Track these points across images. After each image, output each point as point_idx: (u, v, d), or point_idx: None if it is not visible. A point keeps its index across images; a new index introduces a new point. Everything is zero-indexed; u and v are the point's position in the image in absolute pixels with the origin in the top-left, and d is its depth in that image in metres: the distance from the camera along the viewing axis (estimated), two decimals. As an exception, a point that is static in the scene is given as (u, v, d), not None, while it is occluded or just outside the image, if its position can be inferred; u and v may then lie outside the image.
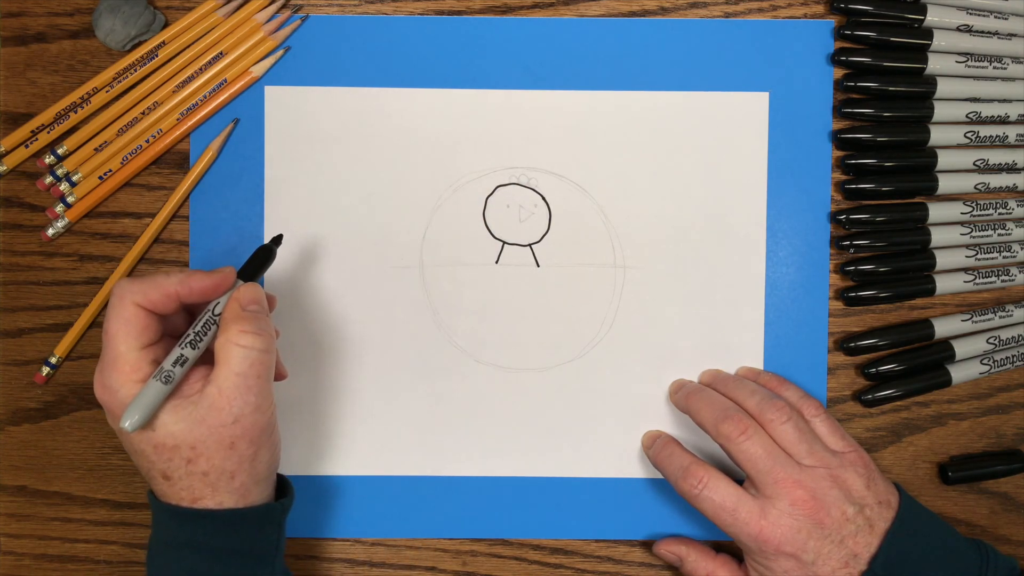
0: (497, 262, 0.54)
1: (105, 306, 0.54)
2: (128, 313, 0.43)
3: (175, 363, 0.42)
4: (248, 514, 0.44)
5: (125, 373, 0.42)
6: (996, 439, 0.56)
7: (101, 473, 0.55)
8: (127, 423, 0.41)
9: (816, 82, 0.54)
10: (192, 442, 0.42)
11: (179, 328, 0.47)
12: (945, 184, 0.54)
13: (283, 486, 0.48)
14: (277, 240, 0.48)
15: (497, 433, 0.54)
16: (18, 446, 0.55)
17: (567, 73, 0.54)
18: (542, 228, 0.54)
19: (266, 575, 0.45)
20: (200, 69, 0.53)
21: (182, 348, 0.43)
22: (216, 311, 0.44)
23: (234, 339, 0.43)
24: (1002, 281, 0.54)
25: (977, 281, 0.54)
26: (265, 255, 0.47)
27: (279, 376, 0.48)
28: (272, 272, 0.54)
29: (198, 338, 0.43)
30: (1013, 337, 0.54)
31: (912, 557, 0.47)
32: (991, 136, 0.54)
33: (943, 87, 0.53)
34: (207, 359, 0.44)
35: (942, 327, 0.54)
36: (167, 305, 0.44)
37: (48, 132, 0.53)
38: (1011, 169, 0.54)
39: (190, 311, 0.47)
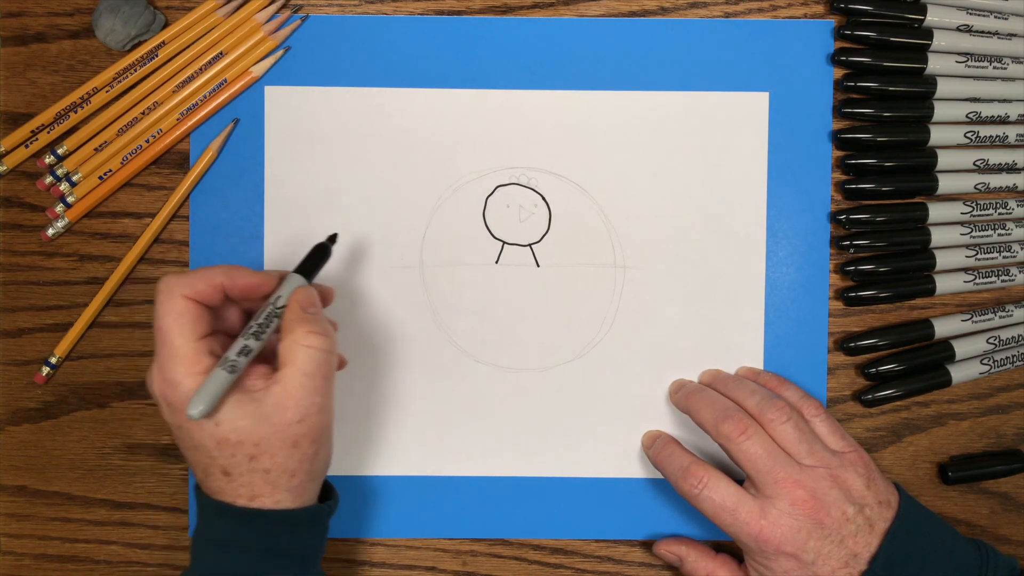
0: (497, 262, 0.54)
1: (107, 305, 0.54)
2: (179, 306, 0.43)
3: (239, 353, 0.42)
4: (301, 515, 0.44)
5: (185, 365, 0.42)
6: (996, 439, 0.56)
7: (101, 473, 0.55)
8: (194, 411, 0.40)
9: (816, 82, 0.54)
10: (256, 439, 0.42)
11: (231, 324, 0.46)
12: (945, 184, 0.54)
13: (326, 488, 0.48)
14: (333, 238, 0.48)
15: (497, 433, 0.54)
16: (18, 446, 0.55)
17: (567, 73, 0.54)
18: (542, 228, 0.54)
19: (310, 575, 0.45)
20: (200, 69, 0.53)
21: (245, 339, 0.42)
22: (278, 304, 0.44)
23: (301, 340, 0.43)
24: (1002, 281, 0.54)
25: (977, 281, 0.54)
26: (321, 253, 0.47)
27: (340, 365, 0.48)
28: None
29: (261, 329, 0.43)
30: (1013, 337, 0.54)
31: (912, 557, 0.47)
32: (991, 136, 0.54)
33: (943, 87, 0.53)
34: (263, 358, 0.44)
35: (942, 327, 0.54)
36: (214, 296, 0.44)
37: (48, 132, 0.53)
38: (1011, 169, 0.54)
39: (239, 308, 0.47)
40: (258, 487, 0.43)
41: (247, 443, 0.42)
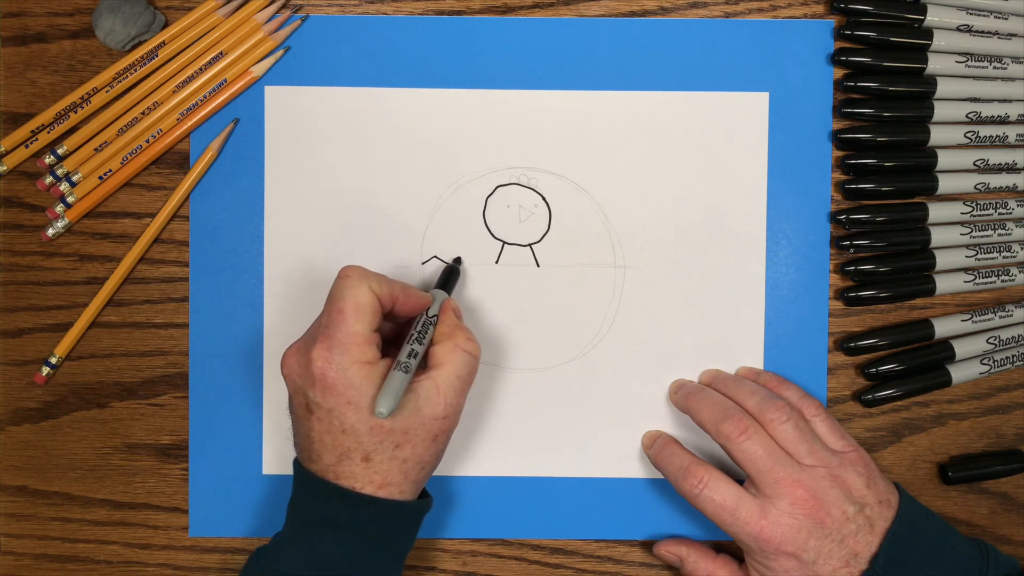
0: (497, 262, 0.54)
1: (107, 305, 0.54)
2: (365, 296, 0.45)
3: (408, 356, 0.45)
4: (410, 508, 0.46)
5: (356, 353, 0.44)
6: (996, 439, 0.56)
7: (101, 473, 0.55)
8: (383, 409, 0.43)
9: (816, 82, 0.54)
10: (405, 428, 0.44)
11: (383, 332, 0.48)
12: (945, 184, 0.54)
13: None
14: (459, 260, 0.54)
15: (497, 433, 0.54)
16: (18, 446, 0.55)
17: (567, 73, 0.54)
18: (542, 228, 0.54)
19: (398, 570, 0.47)
20: (200, 69, 0.53)
21: (411, 344, 0.46)
22: (431, 313, 0.48)
23: (461, 344, 0.47)
24: (1002, 281, 0.54)
25: (977, 281, 0.54)
26: (454, 272, 0.52)
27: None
28: (272, 272, 0.54)
29: (421, 335, 0.47)
30: (1013, 337, 0.54)
31: (913, 556, 0.47)
32: (991, 136, 0.54)
33: (943, 87, 0.53)
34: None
35: (942, 327, 0.54)
36: (387, 303, 0.46)
37: (48, 132, 0.53)
38: (1011, 169, 0.54)
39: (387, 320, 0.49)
40: (392, 475, 0.45)
41: (397, 431, 0.44)
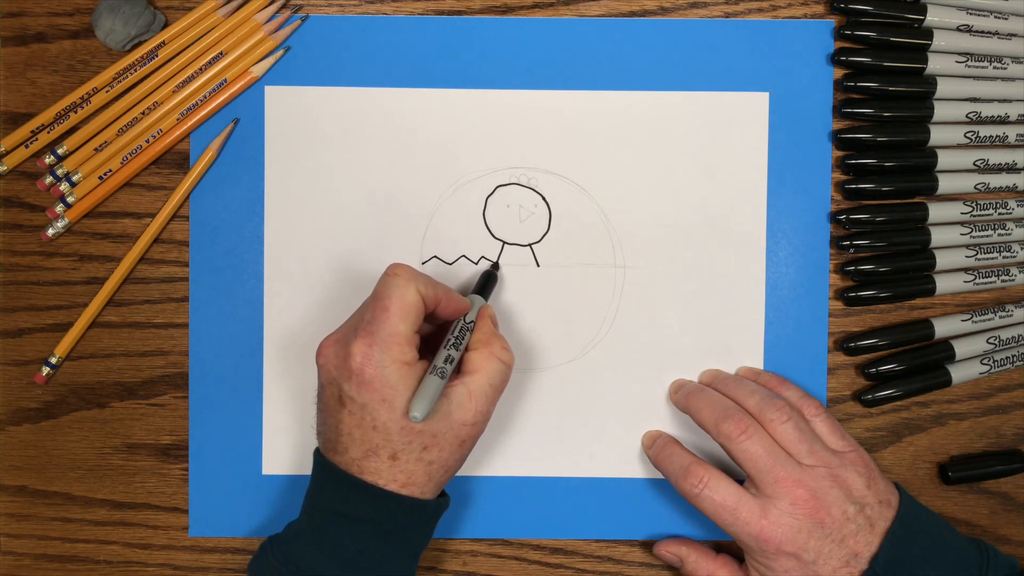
0: (497, 262, 0.54)
1: (107, 305, 0.54)
2: (412, 296, 0.45)
3: (445, 361, 0.46)
4: (429, 507, 0.46)
5: (396, 352, 0.44)
6: (996, 439, 0.56)
7: (101, 473, 0.55)
8: (417, 413, 0.43)
9: (816, 82, 0.54)
10: (435, 431, 0.45)
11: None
12: (945, 184, 0.54)
13: None
14: (496, 266, 0.54)
15: (497, 433, 0.54)
16: (18, 446, 0.55)
17: (567, 73, 0.54)
18: (542, 228, 0.54)
19: (411, 570, 0.47)
20: (200, 69, 0.53)
21: (447, 349, 0.46)
22: (468, 318, 0.48)
23: (497, 353, 0.47)
24: (1002, 281, 0.54)
25: (977, 281, 0.54)
26: (491, 278, 0.53)
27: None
28: (272, 272, 0.54)
29: (458, 341, 0.47)
30: (1013, 337, 0.54)
31: (913, 556, 0.47)
32: (991, 136, 0.54)
33: (943, 87, 0.53)
34: None
35: (942, 327, 0.54)
36: (430, 305, 0.46)
37: (48, 132, 0.53)
38: (1011, 169, 0.54)
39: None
40: (416, 476, 0.45)
41: (426, 434, 0.45)
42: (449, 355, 0.46)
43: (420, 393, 0.44)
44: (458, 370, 0.47)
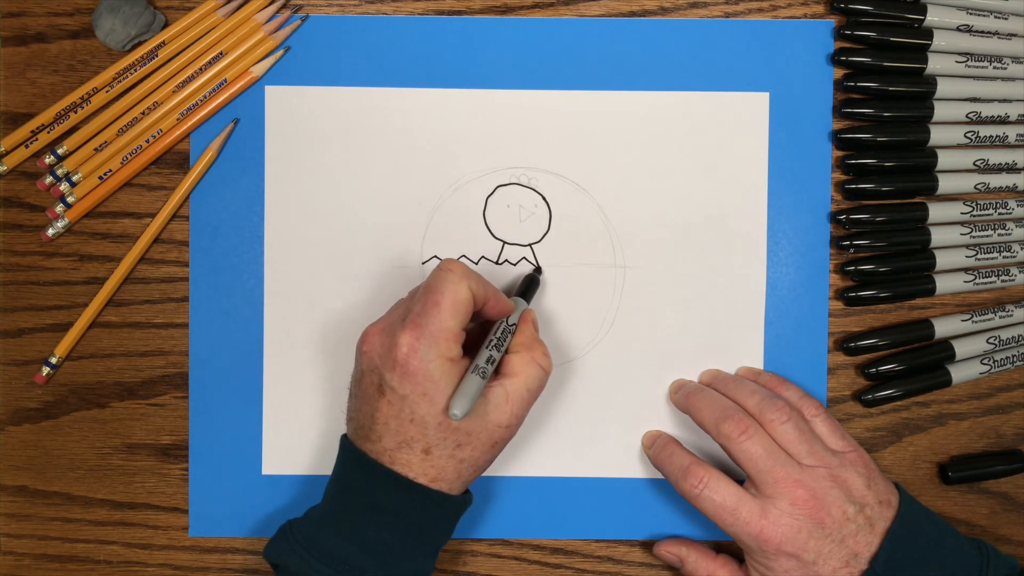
0: (498, 262, 0.54)
1: (107, 305, 0.54)
2: (464, 294, 0.45)
3: (487, 362, 0.46)
4: (455, 502, 0.46)
5: (443, 347, 0.44)
6: (996, 439, 0.56)
7: (101, 473, 0.55)
8: (457, 411, 0.44)
9: (816, 82, 0.54)
10: (470, 430, 0.45)
11: None
12: (945, 184, 0.54)
13: None
14: (539, 269, 0.54)
15: (497, 433, 0.54)
16: (18, 446, 0.55)
17: (567, 73, 0.54)
18: (542, 228, 0.54)
19: (430, 565, 0.47)
20: (200, 69, 0.53)
21: (489, 350, 0.46)
22: (511, 321, 0.48)
23: (538, 359, 0.48)
24: (1002, 281, 0.54)
25: (977, 281, 0.54)
26: (534, 282, 0.53)
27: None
28: (272, 272, 0.54)
29: (500, 342, 0.47)
30: (1013, 337, 0.54)
31: (913, 556, 0.47)
32: (991, 136, 0.54)
33: (943, 87, 0.53)
34: None
35: (942, 327, 0.54)
36: (479, 304, 0.47)
37: (48, 132, 0.53)
38: (1011, 169, 0.54)
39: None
40: (447, 472, 0.45)
41: (462, 432, 0.45)
42: (491, 355, 0.46)
43: (461, 391, 0.44)
44: (496, 371, 0.47)
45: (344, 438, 0.48)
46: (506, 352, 0.48)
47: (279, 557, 0.46)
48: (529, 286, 0.52)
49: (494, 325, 0.48)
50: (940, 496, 0.56)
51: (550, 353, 0.49)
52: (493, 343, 0.47)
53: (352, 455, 0.46)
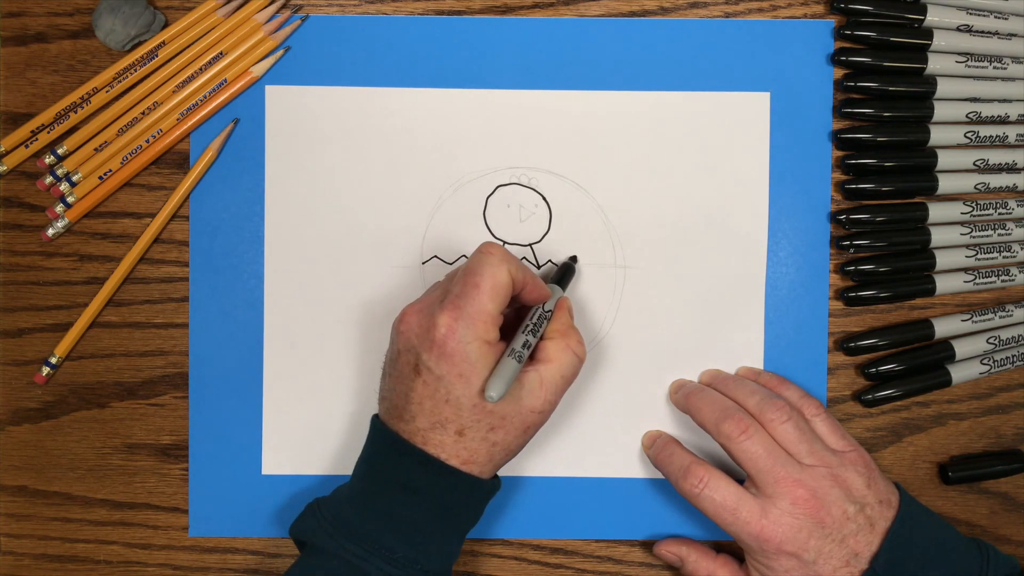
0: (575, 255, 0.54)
1: (107, 305, 0.54)
2: (503, 277, 0.45)
3: (523, 347, 0.46)
4: (485, 486, 0.47)
5: (481, 330, 0.44)
6: (996, 439, 0.56)
7: (101, 473, 0.55)
8: (493, 393, 0.44)
9: (816, 82, 0.54)
10: (503, 414, 0.45)
11: None
12: (945, 184, 0.54)
13: None
14: (574, 258, 0.54)
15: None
16: (18, 446, 0.55)
17: (567, 73, 0.54)
18: (543, 228, 0.54)
19: (457, 548, 0.47)
20: (200, 69, 0.53)
21: (525, 335, 0.46)
22: (547, 307, 0.48)
23: (573, 346, 0.48)
24: (1002, 281, 0.54)
25: (977, 281, 0.54)
26: (570, 270, 0.53)
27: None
28: (272, 272, 0.54)
29: (536, 328, 0.47)
30: (1013, 337, 0.55)
31: (913, 556, 0.47)
32: (991, 136, 0.54)
33: (943, 87, 0.53)
34: None
35: (942, 327, 0.54)
36: (517, 288, 0.47)
37: (48, 132, 0.53)
38: (1011, 169, 0.54)
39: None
40: (478, 454, 0.45)
41: (495, 415, 0.45)
42: (527, 340, 0.46)
43: (498, 374, 0.44)
44: (531, 357, 0.47)
45: (375, 418, 0.48)
46: (541, 338, 0.48)
47: (307, 534, 0.46)
48: (565, 274, 0.52)
49: (530, 311, 0.48)
50: (940, 496, 0.56)
51: (584, 342, 0.49)
52: (529, 328, 0.47)
53: (384, 435, 0.46)
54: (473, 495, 0.46)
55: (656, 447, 0.53)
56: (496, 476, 0.48)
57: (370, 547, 0.44)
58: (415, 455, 0.45)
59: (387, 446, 0.46)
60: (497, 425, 0.45)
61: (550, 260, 0.54)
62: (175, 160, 0.54)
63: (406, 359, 0.46)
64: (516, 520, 0.55)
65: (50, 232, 0.54)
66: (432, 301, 0.46)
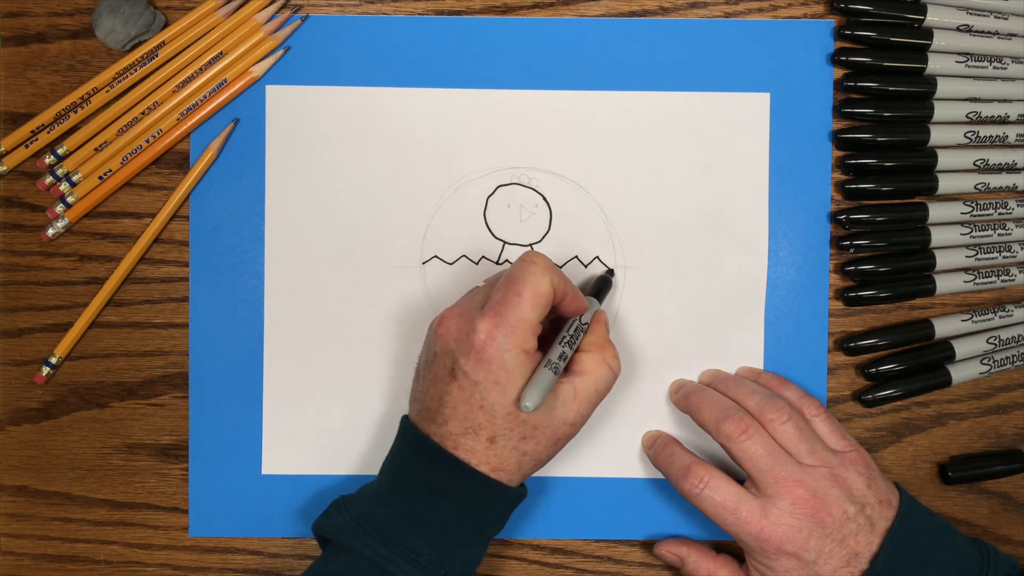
0: (498, 262, 0.54)
1: (107, 305, 0.54)
2: (545, 288, 0.45)
3: (559, 358, 0.46)
4: (513, 494, 0.47)
5: (520, 338, 0.44)
6: (996, 439, 0.56)
7: (101, 473, 0.55)
8: (529, 403, 0.44)
9: (816, 82, 0.54)
10: (536, 424, 0.45)
11: None
12: (945, 184, 0.54)
13: None
14: (611, 272, 0.54)
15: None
16: (18, 446, 0.55)
17: (567, 73, 0.54)
18: (543, 228, 0.54)
19: (481, 553, 0.47)
20: (200, 69, 0.53)
21: (562, 346, 0.46)
22: (584, 320, 0.48)
23: (608, 360, 0.48)
24: (1002, 281, 0.54)
25: (977, 281, 0.54)
26: (607, 283, 0.53)
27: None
28: (272, 272, 0.54)
29: (573, 339, 0.47)
30: (1013, 337, 0.55)
31: (913, 556, 0.47)
32: (991, 136, 0.54)
33: (943, 87, 0.53)
34: None
35: (942, 327, 0.54)
36: (558, 299, 0.46)
37: (48, 132, 0.53)
38: (1011, 169, 0.54)
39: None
40: (508, 463, 0.45)
41: (528, 424, 0.45)
42: (563, 352, 0.46)
43: (534, 384, 0.44)
44: (566, 369, 0.47)
45: (405, 419, 0.48)
46: (577, 350, 0.48)
47: (332, 531, 0.46)
48: (602, 287, 0.52)
49: (567, 322, 0.48)
50: (940, 496, 0.56)
51: (619, 356, 0.49)
52: (566, 340, 0.47)
53: (414, 436, 0.46)
54: (500, 502, 0.46)
55: (656, 447, 0.53)
56: (523, 485, 0.48)
57: (395, 548, 0.44)
58: (445, 459, 0.45)
59: (417, 448, 0.46)
60: (529, 435, 0.45)
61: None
62: (175, 160, 0.54)
63: (442, 362, 0.45)
64: (516, 520, 0.55)
65: (50, 232, 0.54)
66: (472, 306, 0.46)
